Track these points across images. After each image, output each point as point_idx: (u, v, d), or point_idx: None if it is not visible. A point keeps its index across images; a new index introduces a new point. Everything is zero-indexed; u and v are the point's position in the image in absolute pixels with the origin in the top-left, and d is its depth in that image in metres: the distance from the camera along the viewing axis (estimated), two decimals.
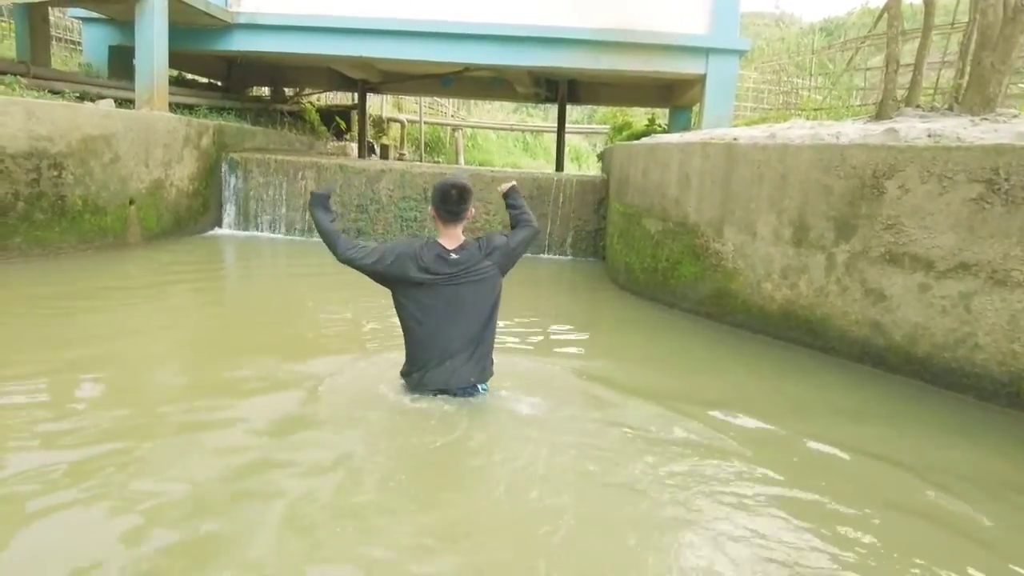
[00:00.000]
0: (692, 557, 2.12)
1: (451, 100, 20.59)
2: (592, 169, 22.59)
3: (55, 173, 6.11)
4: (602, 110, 20.00)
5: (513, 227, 3.23)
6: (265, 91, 13.81)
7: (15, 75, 6.97)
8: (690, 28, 8.86)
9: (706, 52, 8.85)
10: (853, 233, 4.19)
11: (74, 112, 6.32)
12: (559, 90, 12.86)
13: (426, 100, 18.93)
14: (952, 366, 3.73)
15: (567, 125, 15.13)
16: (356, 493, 2.35)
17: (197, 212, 8.27)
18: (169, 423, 2.85)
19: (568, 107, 23.56)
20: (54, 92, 7.27)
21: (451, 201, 2.95)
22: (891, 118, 4.87)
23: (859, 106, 7.32)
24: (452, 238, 3.01)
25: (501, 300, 3.09)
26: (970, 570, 2.12)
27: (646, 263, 5.92)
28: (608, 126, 16.94)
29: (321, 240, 3.11)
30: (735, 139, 5.03)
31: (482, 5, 9.17)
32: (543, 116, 24.39)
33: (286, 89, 13.44)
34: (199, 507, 2.18)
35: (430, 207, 3.07)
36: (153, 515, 2.12)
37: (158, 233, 7.50)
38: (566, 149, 23.46)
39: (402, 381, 3.12)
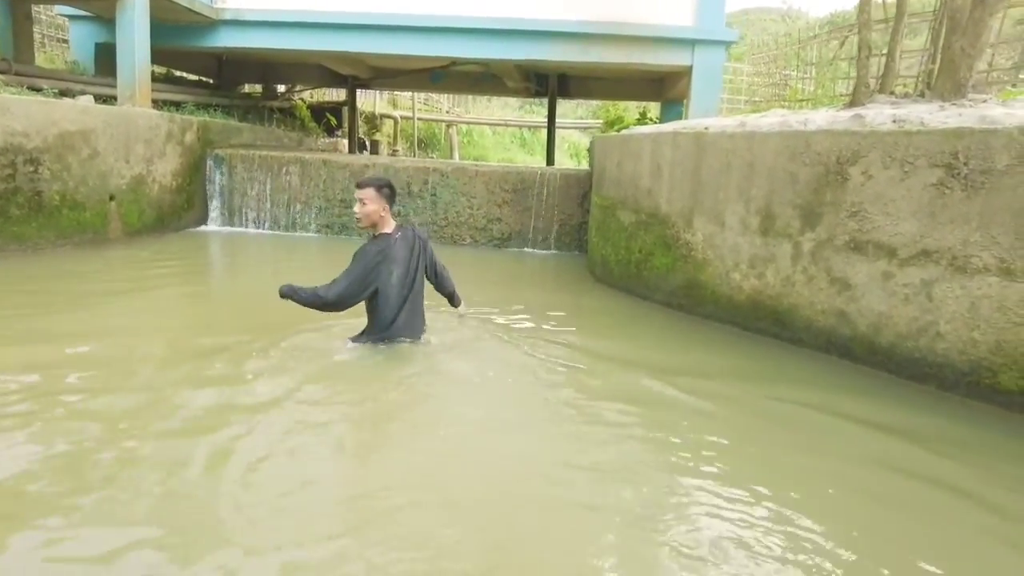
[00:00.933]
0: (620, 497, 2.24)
1: (447, 96, 20.57)
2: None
3: (31, 168, 6.12)
4: (604, 105, 19.91)
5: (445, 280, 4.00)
6: (258, 88, 13.81)
7: None
8: (676, 19, 8.79)
9: (692, 43, 8.77)
10: (819, 221, 4.13)
11: (50, 108, 6.32)
12: (549, 84, 12.79)
13: (421, 96, 18.91)
14: (915, 356, 3.67)
15: (561, 120, 15.05)
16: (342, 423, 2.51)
17: (181, 208, 8.27)
18: (137, 384, 3.08)
19: (571, 102, 23.47)
20: (35, 89, 7.28)
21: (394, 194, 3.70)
22: (863, 105, 4.80)
23: (843, 95, 7.23)
24: (391, 224, 3.64)
25: None
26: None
27: (620, 255, 5.87)
28: (602, 121, 16.86)
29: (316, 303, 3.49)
30: (706, 128, 4.97)
31: None
32: (545, 112, 24.29)
33: (277, 86, 13.44)
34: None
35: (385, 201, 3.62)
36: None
37: (140, 229, 7.50)
38: (565, 145, 23.46)
39: (367, 338, 3.66)
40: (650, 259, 5.40)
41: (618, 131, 11.69)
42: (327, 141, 13.25)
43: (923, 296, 3.61)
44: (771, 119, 4.94)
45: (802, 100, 7.93)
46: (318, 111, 13.84)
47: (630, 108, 15.22)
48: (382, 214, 3.54)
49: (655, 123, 11.96)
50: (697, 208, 4.94)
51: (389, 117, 17.31)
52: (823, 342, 4.14)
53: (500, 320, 4.65)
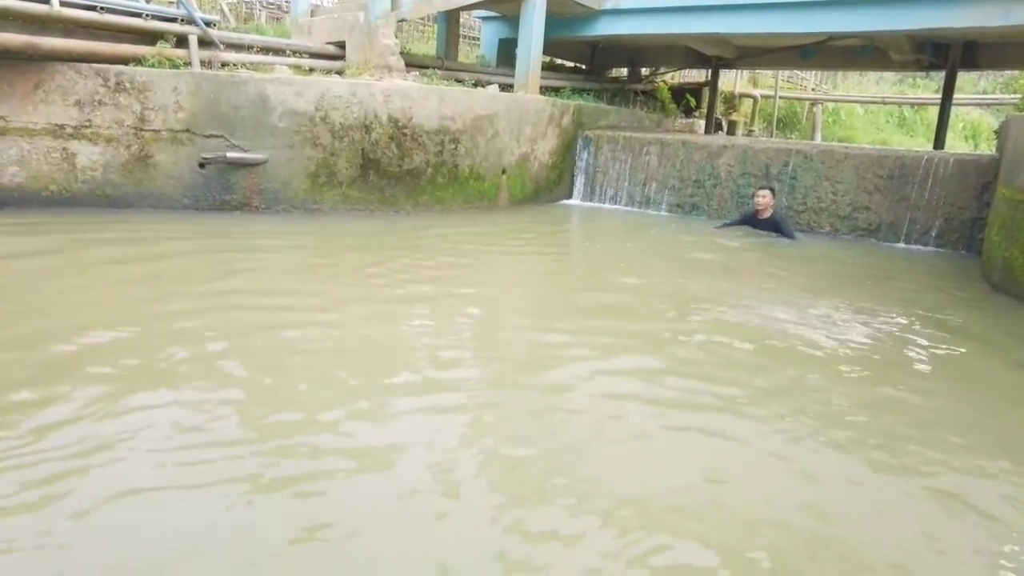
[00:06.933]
0: None
1: (813, 72, 19.03)
2: (992, 149, 18.64)
3: (453, 146, 7.64)
4: (1020, 75, 16.18)
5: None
6: (624, 72, 14.65)
7: (433, 68, 8.82)
8: None
9: None
10: None
11: (469, 96, 7.78)
12: (949, 55, 10.95)
13: (784, 73, 17.84)
14: None
15: (957, 96, 12.80)
16: None
17: (553, 183, 9.39)
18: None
19: (970, 74, 19.62)
20: (459, 81, 8.98)
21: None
22: None
23: None
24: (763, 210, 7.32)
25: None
26: None
27: None
28: (1019, 96, 13.76)
29: None
30: None
31: None
32: (934, 87, 20.74)
33: (642, 69, 14.08)
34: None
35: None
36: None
37: (521, 199, 8.78)
38: (960, 125, 19.76)
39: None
40: None
41: None
42: (684, 122, 13.49)
43: None
44: None
45: None
46: (678, 92, 14.13)
47: None
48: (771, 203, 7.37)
49: None
50: None
51: (748, 96, 16.75)
52: None
53: (869, 313, 4.38)
